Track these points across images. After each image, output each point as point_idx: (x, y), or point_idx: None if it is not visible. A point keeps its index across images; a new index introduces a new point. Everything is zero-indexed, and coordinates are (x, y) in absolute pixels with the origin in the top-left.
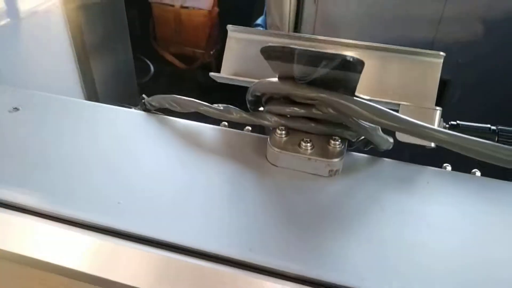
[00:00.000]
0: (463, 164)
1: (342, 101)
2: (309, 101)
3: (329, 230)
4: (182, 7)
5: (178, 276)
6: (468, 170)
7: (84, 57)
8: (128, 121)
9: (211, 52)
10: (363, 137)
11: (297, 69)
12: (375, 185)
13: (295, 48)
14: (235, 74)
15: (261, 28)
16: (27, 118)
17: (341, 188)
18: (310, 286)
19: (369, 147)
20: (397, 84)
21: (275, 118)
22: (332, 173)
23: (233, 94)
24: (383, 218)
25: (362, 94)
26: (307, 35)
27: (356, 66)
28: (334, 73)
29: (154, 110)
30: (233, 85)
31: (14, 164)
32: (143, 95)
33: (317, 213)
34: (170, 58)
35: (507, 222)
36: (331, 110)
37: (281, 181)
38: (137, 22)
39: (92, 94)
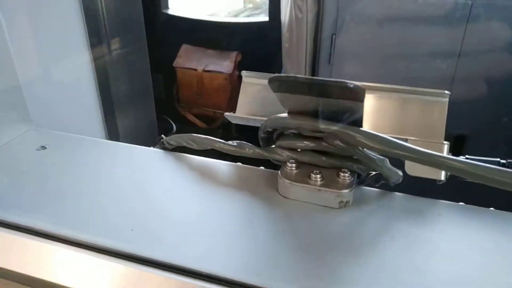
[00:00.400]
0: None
1: (350, 132)
2: (318, 134)
3: (339, 258)
4: (204, 71)
5: None
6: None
7: (110, 113)
8: (146, 158)
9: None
10: (373, 172)
11: (304, 100)
12: (385, 216)
13: (299, 77)
14: (248, 115)
15: None
16: (54, 156)
17: (351, 219)
18: None
19: (380, 183)
20: (407, 121)
21: (286, 153)
22: (343, 205)
23: None
24: (393, 247)
25: (380, 131)
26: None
27: (357, 94)
28: (339, 103)
29: (172, 149)
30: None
31: (39, 195)
32: (162, 135)
33: (326, 242)
34: (191, 118)
35: None
36: (339, 143)
37: (292, 212)
38: (162, 86)
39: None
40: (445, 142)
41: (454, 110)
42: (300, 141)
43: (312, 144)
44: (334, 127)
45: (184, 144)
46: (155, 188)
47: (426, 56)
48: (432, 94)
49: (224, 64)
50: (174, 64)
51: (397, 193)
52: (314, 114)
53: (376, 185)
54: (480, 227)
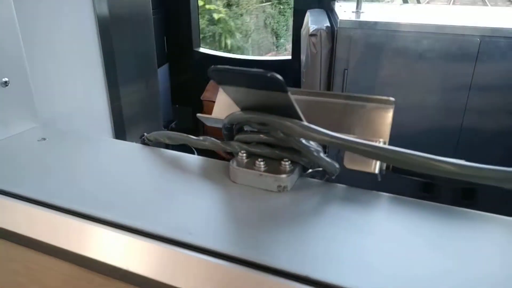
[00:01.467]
0: None
1: (287, 123)
2: (264, 128)
3: (267, 232)
4: None
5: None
6: None
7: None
8: (127, 152)
9: None
10: (319, 168)
11: (244, 93)
12: (320, 201)
13: (230, 68)
14: (224, 115)
15: None
16: (51, 146)
17: (286, 201)
18: (237, 263)
19: (326, 177)
20: (355, 125)
21: (239, 144)
22: (281, 189)
23: None
24: (322, 226)
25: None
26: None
27: (277, 83)
28: (268, 95)
29: (152, 144)
30: None
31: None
32: (144, 133)
33: (260, 219)
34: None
35: (435, 242)
36: (281, 134)
37: (237, 193)
38: (191, 117)
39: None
40: (382, 139)
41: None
42: (251, 134)
43: (260, 137)
44: (275, 119)
45: (161, 140)
46: (131, 174)
47: (436, 88)
48: (379, 100)
49: None
50: (201, 98)
51: (339, 185)
52: (259, 109)
53: (322, 179)
54: (413, 216)
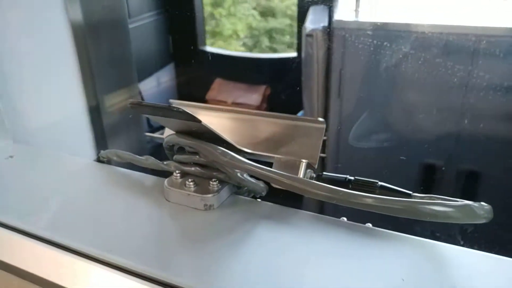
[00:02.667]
0: None
1: (208, 148)
2: (194, 150)
3: (185, 248)
4: (233, 103)
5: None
6: None
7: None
8: (79, 169)
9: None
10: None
11: (165, 121)
12: (243, 218)
13: (142, 102)
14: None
15: None
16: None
17: (211, 219)
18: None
19: (251, 195)
20: (285, 144)
21: (176, 165)
22: (207, 207)
23: None
24: (234, 241)
25: (257, 150)
26: (217, 108)
27: (187, 115)
28: (186, 124)
29: (106, 161)
30: None
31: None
32: (101, 151)
33: (182, 236)
34: None
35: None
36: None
37: (167, 211)
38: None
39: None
40: (304, 160)
41: None
42: (188, 155)
43: (195, 158)
44: (197, 144)
45: (114, 158)
46: (75, 193)
47: (431, 86)
48: (310, 121)
49: (252, 97)
50: (206, 97)
51: (266, 203)
52: (189, 133)
53: (249, 197)
54: (331, 235)
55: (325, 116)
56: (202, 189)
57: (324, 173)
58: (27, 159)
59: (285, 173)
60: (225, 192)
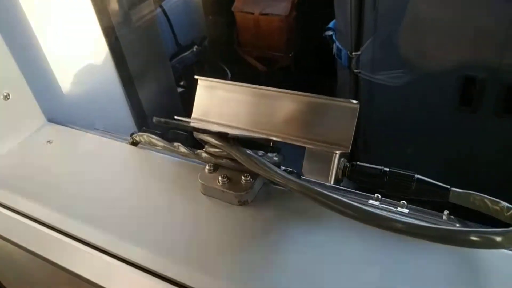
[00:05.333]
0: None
1: (237, 153)
2: None
3: (218, 247)
4: (261, 14)
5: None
6: None
7: (130, 86)
8: (116, 152)
9: (290, 55)
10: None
11: None
12: (276, 215)
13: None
14: (203, 115)
15: (331, 33)
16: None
17: (245, 216)
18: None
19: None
20: (316, 126)
21: (206, 155)
22: (242, 203)
23: None
24: (264, 244)
25: (289, 133)
26: (254, 88)
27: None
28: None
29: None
30: (311, 88)
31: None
32: (133, 133)
33: (217, 232)
34: (252, 61)
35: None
36: None
37: (203, 206)
38: (222, 30)
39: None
40: (337, 152)
41: None
42: (216, 148)
43: (224, 152)
44: (225, 145)
45: (144, 142)
46: (115, 180)
47: None
48: (342, 101)
49: (280, 6)
50: (232, 9)
51: (299, 195)
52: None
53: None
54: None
55: (359, 28)
56: (235, 185)
57: (358, 163)
58: (66, 144)
59: (320, 190)
60: (257, 184)
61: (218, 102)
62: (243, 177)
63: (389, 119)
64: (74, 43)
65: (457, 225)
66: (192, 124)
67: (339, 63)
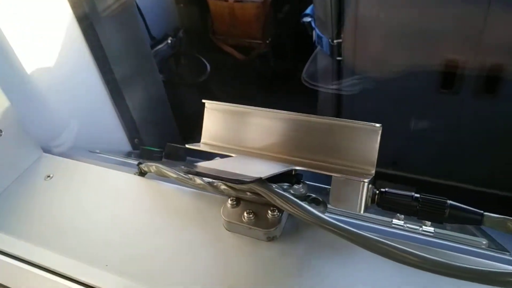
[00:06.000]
0: None
1: (260, 189)
2: None
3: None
4: (235, 1)
5: None
6: None
7: (116, 91)
8: (124, 184)
9: (267, 42)
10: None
11: None
12: (305, 251)
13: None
14: (213, 139)
15: (309, 19)
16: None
17: (274, 253)
18: None
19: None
20: (339, 149)
21: (227, 189)
22: (270, 239)
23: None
24: (298, 282)
25: (308, 158)
26: (267, 111)
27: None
28: None
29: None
30: (291, 74)
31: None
32: (140, 161)
33: (248, 273)
34: (228, 49)
35: None
36: None
37: (228, 243)
38: (198, 19)
39: (130, 121)
40: (366, 180)
41: None
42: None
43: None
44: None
45: (153, 171)
46: (128, 217)
47: None
48: (364, 124)
49: None
50: None
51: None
52: None
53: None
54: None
55: (339, 14)
56: (262, 220)
57: (387, 189)
58: (67, 178)
59: (351, 229)
60: (284, 217)
61: (229, 126)
62: (269, 212)
63: (373, 105)
64: (55, 57)
65: (484, 242)
66: (203, 166)
67: (319, 49)
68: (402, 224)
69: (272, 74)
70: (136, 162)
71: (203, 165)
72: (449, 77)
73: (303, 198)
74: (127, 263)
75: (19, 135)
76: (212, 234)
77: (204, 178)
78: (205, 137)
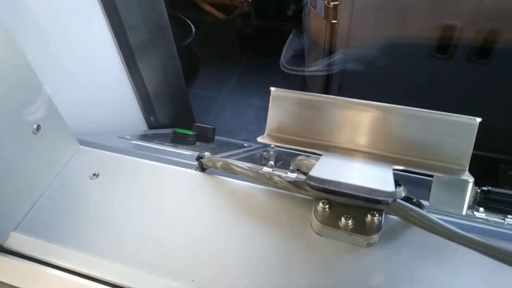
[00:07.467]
0: None
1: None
2: None
3: None
4: None
5: None
6: None
7: (131, 58)
8: (187, 182)
9: (249, 0)
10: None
11: None
12: (407, 255)
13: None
14: (278, 130)
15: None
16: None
17: (376, 259)
18: None
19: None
20: (433, 144)
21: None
22: (370, 245)
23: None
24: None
25: (404, 154)
26: (344, 99)
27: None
28: None
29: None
30: (275, 35)
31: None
32: (199, 154)
33: (353, 281)
34: (208, 8)
35: None
36: None
37: (322, 249)
38: None
39: (143, 90)
40: (470, 180)
41: None
42: None
43: None
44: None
45: (218, 166)
46: (195, 219)
47: None
48: (459, 117)
49: None
50: None
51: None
52: None
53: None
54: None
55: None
56: (362, 225)
57: (490, 188)
58: (113, 175)
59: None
60: (382, 222)
61: (300, 117)
62: (369, 216)
63: (366, 68)
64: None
65: None
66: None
67: (305, 10)
68: (484, 216)
69: (254, 34)
70: (175, 150)
71: (312, 173)
72: None
73: (405, 201)
74: (216, 278)
75: (58, 128)
76: (301, 239)
77: (283, 175)
78: (271, 128)
